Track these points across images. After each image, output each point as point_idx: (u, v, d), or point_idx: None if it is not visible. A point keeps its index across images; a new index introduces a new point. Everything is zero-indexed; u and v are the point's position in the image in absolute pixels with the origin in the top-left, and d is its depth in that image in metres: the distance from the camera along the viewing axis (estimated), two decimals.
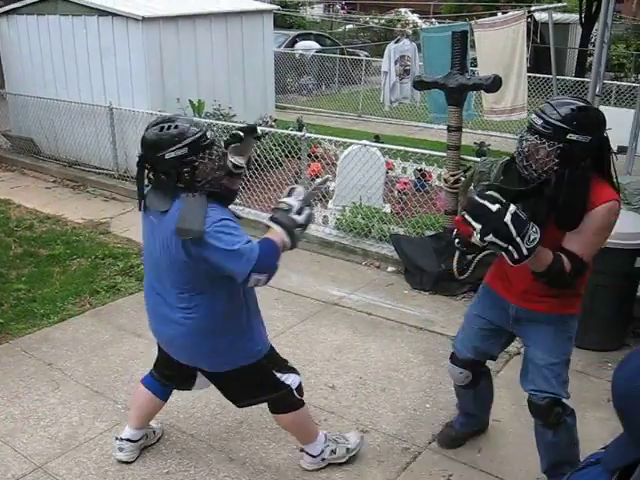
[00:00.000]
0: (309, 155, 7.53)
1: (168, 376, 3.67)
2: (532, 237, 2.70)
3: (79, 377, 4.58)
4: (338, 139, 7.48)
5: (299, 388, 3.54)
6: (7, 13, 10.06)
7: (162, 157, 3.02)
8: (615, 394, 1.50)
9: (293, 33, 19.70)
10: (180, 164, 3.02)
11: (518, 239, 2.66)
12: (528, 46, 14.49)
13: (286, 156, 7.63)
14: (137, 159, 3.20)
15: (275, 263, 3.05)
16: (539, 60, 16.01)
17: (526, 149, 2.87)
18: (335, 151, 8.54)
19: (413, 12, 29.33)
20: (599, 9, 7.73)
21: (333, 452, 3.73)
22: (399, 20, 27.71)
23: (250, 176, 7.81)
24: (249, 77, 9.78)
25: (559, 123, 2.79)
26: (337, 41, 20.82)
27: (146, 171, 3.18)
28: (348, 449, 3.77)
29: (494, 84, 5.58)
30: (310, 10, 34.05)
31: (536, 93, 12.99)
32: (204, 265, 3.04)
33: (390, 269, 6.30)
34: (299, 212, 3.16)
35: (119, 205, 8.33)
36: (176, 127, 3.05)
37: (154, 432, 3.94)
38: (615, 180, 3.00)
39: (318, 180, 4.04)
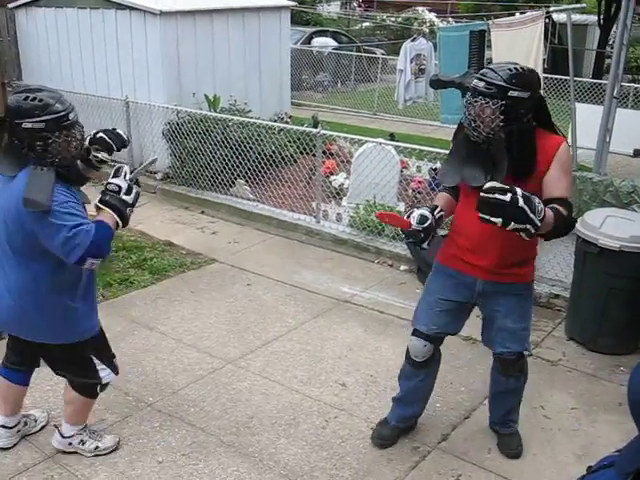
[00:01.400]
0: (324, 152, 7.53)
1: (16, 361, 3.74)
2: (539, 208, 2.84)
3: None
4: (353, 136, 7.46)
5: (105, 385, 3.66)
6: (26, 5, 10.10)
7: (19, 125, 3.08)
8: (631, 399, 1.50)
9: (310, 30, 19.67)
10: (34, 137, 3.08)
11: (532, 216, 2.79)
12: (546, 47, 14.43)
13: (301, 153, 7.63)
14: None
15: (109, 247, 3.18)
16: (556, 61, 15.92)
17: (473, 111, 3.10)
18: (350, 148, 8.53)
19: (430, 11, 29.23)
20: (618, 10, 7.67)
21: (82, 442, 3.78)
22: (416, 19, 27.62)
23: (264, 172, 7.82)
24: (265, 73, 9.78)
25: (500, 82, 3.06)
26: (353, 39, 20.78)
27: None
28: (97, 447, 3.79)
29: None
30: (327, 7, 34.01)
31: (553, 94, 12.93)
32: (34, 239, 3.11)
33: (403, 268, 6.29)
34: (128, 192, 3.24)
35: None
36: (40, 100, 3.10)
37: (35, 420, 4.00)
38: (558, 130, 3.26)
39: (148, 160, 4.05)
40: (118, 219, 3.20)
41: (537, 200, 2.85)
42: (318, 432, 4.01)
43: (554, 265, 5.72)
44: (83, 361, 3.52)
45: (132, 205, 3.26)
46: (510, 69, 3.10)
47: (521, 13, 9.10)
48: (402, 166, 7.71)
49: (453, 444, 3.93)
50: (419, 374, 3.81)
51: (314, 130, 7.32)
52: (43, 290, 3.27)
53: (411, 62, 10.45)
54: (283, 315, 5.39)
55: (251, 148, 7.80)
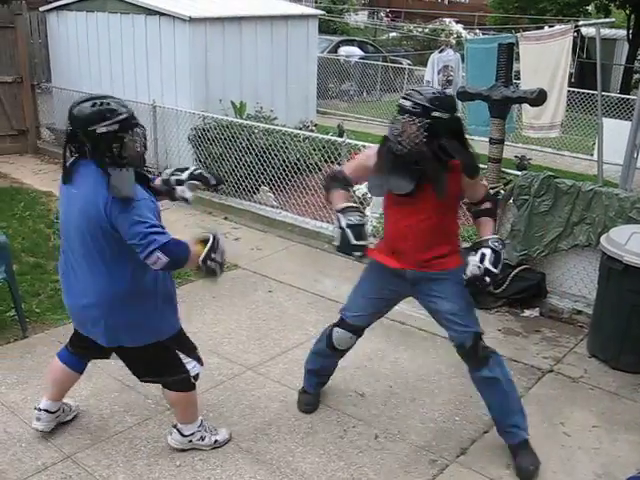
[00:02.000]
0: (348, 161, 7.52)
1: (82, 349, 3.81)
2: (502, 255, 3.62)
3: (112, 370, 4.61)
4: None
5: (197, 376, 3.70)
6: (57, 9, 10.25)
7: (93, 131, 3.16)
8: None
9: (336, 39, 19.75)
10: (111, 139, 3.18)
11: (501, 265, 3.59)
12: (574, 61, 14.39)
13: (325, 161, 7.64)
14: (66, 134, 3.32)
15: (184, 254, 3.24)
16: (584, 75, 15.85)
17: (400, 126, 3.44)
18: None
19: (457, 22, 29.20)
20: None
21: (202, 439, 3.85)
22: (443, 30, 27.60)
23: (288, 179, 7.84)
24: (292, 81, 9.82)
25: (425, 103, 3.42)
26: (380, 48, 20.82)
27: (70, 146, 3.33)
28: (216, 441, 3.89)
29: (539, 98, 5.53)
30: (354, 16, 34.09)
31: (580, 109, 12.86)
32: (116, 238, 3.20)
33: None
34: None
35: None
36: (108, 104, 3.22)
37: (70, 409, 4.08)
38: (470, 145, 3.66)
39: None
40: (200, 262, 3.30)
41: (501, 251, 3.58)
42: (336, 441, 4.00)
43: (577, 281, 5.68)
44: (168, 358, 3.58)
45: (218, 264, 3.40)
46: (433, 92, 3.54)
47: (550, 27, 9.08)
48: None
49: (471, 458, 3.91)
50: (335, 357, 4.17)
51: (339, 139, 7.34)
52: (125, 292, 3.34)
53: (438, 73, 10.47)
54: (304, 323, 5.39)
55: (276, 155, 7.83)
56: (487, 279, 3.49)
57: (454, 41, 20.73)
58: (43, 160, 10.27)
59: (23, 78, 10.41)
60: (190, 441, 3.83)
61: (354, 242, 3.52)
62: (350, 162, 4.17)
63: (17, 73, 10.35)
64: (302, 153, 8.03)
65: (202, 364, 3.75)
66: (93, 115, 3.17)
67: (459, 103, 10.20)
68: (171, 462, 3.77)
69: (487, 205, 3.84)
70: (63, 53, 10.35)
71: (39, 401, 3.95)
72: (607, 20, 12.22)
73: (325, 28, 21.62)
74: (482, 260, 3.53)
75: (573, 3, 18.45)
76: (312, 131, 9.25)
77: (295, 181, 7.77)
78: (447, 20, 29.94)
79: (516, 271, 5.71)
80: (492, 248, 3.57)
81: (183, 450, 3.84)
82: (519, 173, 5.93)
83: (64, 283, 3.57)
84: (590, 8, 20.30)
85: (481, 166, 6.09)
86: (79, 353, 3.85)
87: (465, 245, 6.21)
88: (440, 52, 11.08)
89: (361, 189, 7.70)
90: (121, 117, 3.20)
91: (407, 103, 3.45)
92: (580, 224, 5.52)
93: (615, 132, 8.43)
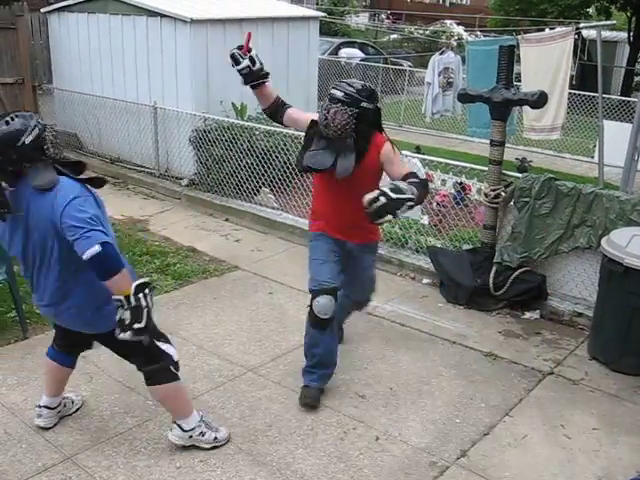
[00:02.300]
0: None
1: (66, 345, 3.88)
2: (405, 187, 3.61)
3: (112, 372, 4.62)
4: None
5: (177, 364, 3.71)
6: (58, 10, 10.24)
7: (22, 144, 3.21)
8: None
9: (337, 41, 19.75)
10: (40, 143, 3.26)
11: (406, 196, 3.59)
12: (575, 63, 14.40)
13: None
14: None
15: (114, 261, 3.26)
16: (585, 77, 15.87)
17: (331, 114, 3.90)
18: None
19: (458, 24, 29.22)
20: None
21: (202, 434, 3.84)
22: (444, 32, 27.62)
23: (289, 181, 7.84)
24: (293, 83, 9.80)
25: (356, 94, 3.93)
26: (381, 50, 20.83)
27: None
28: (216, 438, 3.89)
29: (540, 100, 5.53)
30: (355, 18, 34.11)
31: (581, 111, 12.86)
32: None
33: (425, 281, 6.27)
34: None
35: (158, 204, 8.41)
36: (17, 116, 3.27)
37: (72, 402, 4.16)
38: (384, 132, 4.17)
39: None
40: (123, 285, 3.25)
41: (402, 183, 3.66)
42: (336, 443, 4.00)
43: (578, 283, 5.67)
44: (148, 346, 3.55)
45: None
46: (362, 85, 4.03)
47: (551, 29, 9.09)
48: (427, 178, 7.69)
49: (472, 461, 3.90)
50: (325, 335, 4.27)
51: None
52: (94, 286, 3.36)
53: (439, 75, 10.47)
54: (304, 325, 5.37)
55: (277, 157, 7.83)
56: (382, 199, 3.52)
57: (455, 43, 20.74)
58: None
59: (24, 79, 10.40)
60: (190, 436, 3.82)
61: (237, 68, 4.32)
62: (301, 113, 4.49)
63: (18, 74, 10.35)
64: None
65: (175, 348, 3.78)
66: (12, 132, 3.21)
67: (460, 105, 10.26)
68: (171, 464, 3.77)
69: (414, 179, 3.90)
70: (64, 54, 10.35)
71: (40, 398, 4.00)
72: (608, 22, 12.21)
73: (326, 30, 21.64)
74: (383, 196, 3.56)
75: (574, 5, 18.46)
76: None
77: (296, 183, 7.77)
78: (448, 22, 29.95)
79: (517, 273, 5.71)
80: (395, 184, 3.66)
81: (184, 448, 3.83)
82: (520, 175, 5.93)
83: (37, 294, 3.60)
84: (591, 10, 20.33)
85: (482, 168, 6.14)
86: (64, 350, 3.93)
87: (467, 247, 6.24)
88: (441, 54, 11.07)
89: None
90: (35, 120, 3.29)
91: (339, 93, 3.93)
92: (581, 226, 5.51)
93: (616, 134, 8.43)
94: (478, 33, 25.40)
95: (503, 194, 5.81)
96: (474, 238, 6.34)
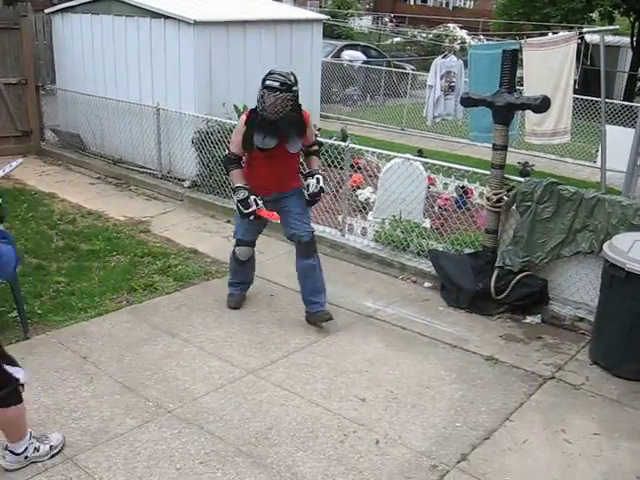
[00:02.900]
0: (351, 166, 7.53)
1: None
2: (321, 178, 5.31)
3: (112, 372, 4.63)
4: (381, 151, 7.45)
5: (23, 386, 3.64)
6: (62, 11, 10.26)
7: None
8: None
9: (340, 43, 19.76)
10: None
11: (323, 184, 5.35)
12: (578, 68, 14.38)
13: (328, 165, 7.63)
14: None
15: None
16: (588, 82, 15.87)
17: (272, 100, 4.86)
18: (377, 163, 8.53)
19: (462, 28, 29.27)
20: None
21: (36, 450, 3.75)
22: (447, 35, 27.66)
23: None
24: None
25: (290, 82, 4.91)
26: (384, 53, 20.84)
27: None
28: (51, 447, 3.80)
29: (542, 105, 5.53)
30: (359, 21, 34.12)
31: (583, 115, 12.85)
32: None
33: (427, 285, 6.27)
34: None
35: (160, 205, 8.41)
36: None
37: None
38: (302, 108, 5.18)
39: (13, 164, 4.10)
40: None
41: (320, 178, 5.26)
42: (336, 446, 3.99)
43: (579, 288, 5.67)
44: None
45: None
46: (289, 72, 4.99)
47: (554, 33, 9.08)
48: (429, 182, 7.70)
49: (472, 464, 3.90)
50: (244, 267, 5.64)
51: (343, 143, 7.34)
52: None
53: (441, 79, 10.47)
54: (305, 327, 5.39)
55: None
56: (321, 194, 5.26)
57: (458, 47, 20.76)
58: (46, 162, 10.28)
59: (28, 79, 10.41)
60: (26, 457, 3.72)
61: (245, 212, 5.11)
62: (231, 140, 5.36)
63: (22, 74, 10.36)
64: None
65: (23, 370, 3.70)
66: None
67: (462, 109, 10.26)
68: (171, 465, 3.77)
69: (315, 148, 5.43)
70: (68, 55, 10.36)
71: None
72: (611, 27, 12.23)
73: (329, 32, 21.65)
74: (318, 182, 5.21)
75: (577, 10, 18.45)
76: (316, 135, 9.23)
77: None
78: (451, 26, 30.01)
79: (518, 277, 5.70)
80: (320, 174, 5.27)
81: (185, 449, 3.83)
82: (522, 179, 5.93)
83: None
84: (594, 15, 20.32)
85: (484, 172, 6.14)
86: None
87: (468, 250, 6.24)
88: (443, 57, 11.07)
89: (363, 194, 7.73)
90: None
91: (276, 84, 4.86)
92: (583, 231, 5.51)
93: (618, 139, 8.43)
94: (481, 37, 25.42)
95: (505, 198, 5.81)
96: (476, 242, 6.33)
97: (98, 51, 9.76)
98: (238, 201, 5.12)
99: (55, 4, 11.07)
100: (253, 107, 5.13)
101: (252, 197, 5.08)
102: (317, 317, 5.37)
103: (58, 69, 10.72)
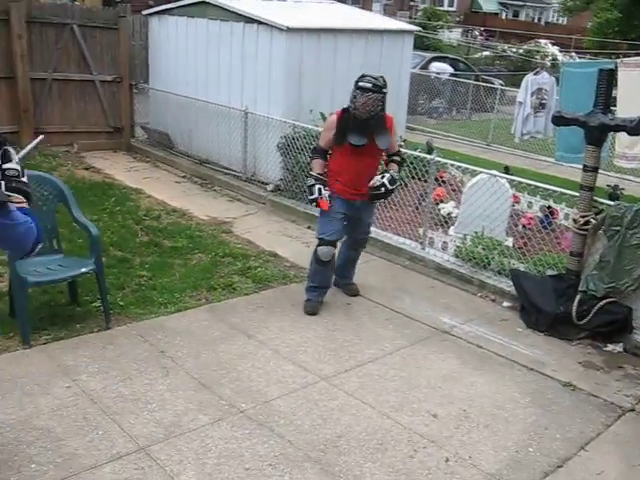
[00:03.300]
0: (436, 179, 7.47)
1: None
2: (396, 176, 5.62)
3: (189, 368, 4.72)
4: (467, 166, 7.36)
5: None
6: (159, 13, 10.55)
7: None
8: None
9: (429, 55, 19.67)
10: None
11: (394, 186, 5.63)
12: None
13: (412, 177, 7.60)
14: None
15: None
16: None
17: (364, 100, 5.25)
18: (462, 178, 8.43)
19: (553, 44, 28.70)
20: None
21: None
22: (538, 51, 27.17)
23: None
24: None
25: (380, 84, 5.33)
26: (472, 67, 20.62)
27: None
28: None
29: (638, 127, 5.37)
30: (448, 33, 33.93)
31: None
32: None
33: (506, 304, 6.16)
34: (24, 174, 3.09)
35: (243, 207, 8.54)
36: None
37: None
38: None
39: (34, 142, 4.05)
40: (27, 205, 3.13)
41: (395, 174, 5.59)
42: (405, 460, 3.96)
43: None
44: None
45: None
46: (380, 76, 5.40)
47: None
48: (514, 200, 7.57)
49: None
50: (327, 268, 5.75)
51: (428, 156, 7.28)
52: None
53: (532, 95, 10.29)
54: (380, 338, 5.37)
55: None
56: (382, 189, 5.47)
57: (549, 63, 20.38)
58: (135, 158, 10.58)
59: (122, 78, 10.77)
60: None
61: (309, 197, 5.58)
62: (321, 136, 5.76)
63: (117, 73, 10.72)
64: None
65: None
66: None
67: (552, 127, 10.03)
68: (240, 465, 3.81)
69: (397, 158, 5.74)
70: (162, 56, 10.66)
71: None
72: None
73: (418, 44, 21.50)
74: (383, 177, 5.47)
75: None
76: (400, 146, 9.21)
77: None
78: (543, 41, 29.46)
79: (602, 303, 5.54)
80: (392, 175, 5.52)
81: (254, 450, 3.87)
82: (611, 203, 5.77)
83: None
84: None
85: (572, 193, 6.00)
86: None
87: (551, 272, 6.10)
88: (535, 74, 10.89)
89: (446, 208, 7.65)
90: None
91: (368, 85, 5.26)
92: None
93: None
94: (573, 54, 24.88)
95: (593, 221, 5.66)
96: (559, 264, 6.19)
97: (191, 53, 9.99)
98: (307, 187, 5.62)
99: (151, 6, 11.39)
100: (344, 107, 5.50)
101: (318, 186, 5.46)
102: (349, 289, 6.13)
103: (152, 69, 11.03)
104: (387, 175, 5.48)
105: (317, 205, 5.54)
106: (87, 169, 9.68)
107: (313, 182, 5.51)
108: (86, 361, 4.71)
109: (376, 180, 5.46)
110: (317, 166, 5.59)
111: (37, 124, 9.95)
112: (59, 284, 5.45)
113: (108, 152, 10.65)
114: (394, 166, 5.67)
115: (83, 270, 5.12)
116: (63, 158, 10.00)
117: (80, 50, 10.38)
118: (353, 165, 5.49)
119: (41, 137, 3.98)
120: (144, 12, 11.17)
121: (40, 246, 3.12)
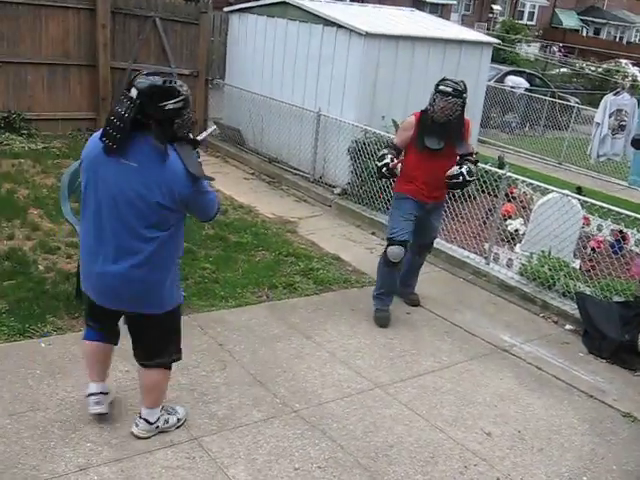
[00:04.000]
0: (506, 195, 7.36)
1: (101, 325, 3.85)
2: (474, 169, 5.47)
3: (245, 363, 4.76)
4: (540, 184, 7.23)
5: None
6: (240, 11, 10.69)
7: (163, 107, 3.24)
8: None
9: (505, 68, 19.41)
10: (175, 115, 3.28)
11: (473, 177, 5.51)
12: None
13: (482, 191, 7.51)
14: (129, 106, 3.24)
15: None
16: None
17: (444, 104, 5.23)
18: (532, 195, 8.30)
19: (634, 65, 28.04)
20: None
21: (166, 421, 3.92)
22: (618, 71, 26.58)
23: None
24: None
25: (460, 89, 5.27)
26: (549, 83, 20.27)
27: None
28: (179, 419, 3.99)
29: None
30: (526, 47, 33.46)
31: None
32: (174, 211, 3.37)
33: (568, 327, 6.02)
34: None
35: (309, 208, 8.58)
36: (174, 82, 3.33)
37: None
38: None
39: (209, 130, 4.16)
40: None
41: (473, 167, 5.43)
42: (455, 476, 3.92)
43: None
44: (177, 332, 3.77)
45: None
46: (462, 81, 5.33)
47: None
48: (584, 222, 7.41)
49: None
50: (393, 272, 5.66)
51: (500, 171, 7.19)
52: (165, 256, 3.46)
53: (610, 117, 10.07)
54: (438, 351, 5.32)
55: None
56: (460, 178, 5.34)
57: (628, 84, 19.90)
58: (206, 152, 10.71)
59: (199, 72, 10.96)
60: (157, 427, 3.87)
61: (379, 164, 5.46)
62: (397, 134, 5.88)
63: (195, 67, 10.91)
64: None
65: None
66: (163, 92, 3.26)
67: (632, 151, 9.79)
68: (290, 464, 3.82)
69: (472, 158, 5.53)
70: (240, 53, 10.79)
71: (88, 387, 3.92)
72: None
73: (495, 57, 21.26)
74: (461, 167, 5.35)
75: None
76: (475, 153, 9.11)
77: (448, 207, 7.68)
78: (623, 61, 28.81)
79: None
80: (469, 167, 5.37)
81: (304, 451, 3.87)
82: None
83: (95, 251, 3.47)
84: None
85: None
86: (99, 328, 3.86)
87: (618, 298, 5.95)
88: (615, 95, 10.65)
89: (513, 224, 7.55)
90: (184, 95, 3.31)
91: (448, 89, 5.23)
92: None
93: None
94: None
95: None
96: (627, 291, 6.03)
97: (269, 52, 10.09)
98: (378, 157, 5.59)
99: (232, 3, 11.54)
100: (423, 109, 5.47)
101: (390, 155, 5.44)
102: (411, 299, 6.10)
103: (229, 65, 11.18)
104: (465, 167, 5.36)
105: (387, 172, 5.41)
106: None
107: (386, 152, 5.49)
108: None
109: (454, 169, 5.34)
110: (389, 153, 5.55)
111: None
112: None
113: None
114: (469, 164, 5.55)
115: None
116: None
117: (161, 43, 10.61)
118: (428, 167, 5.43)
119: (214, 127, 4.24)
120: (225, 9, 11.33)
121: (218, 215, 3.58)
